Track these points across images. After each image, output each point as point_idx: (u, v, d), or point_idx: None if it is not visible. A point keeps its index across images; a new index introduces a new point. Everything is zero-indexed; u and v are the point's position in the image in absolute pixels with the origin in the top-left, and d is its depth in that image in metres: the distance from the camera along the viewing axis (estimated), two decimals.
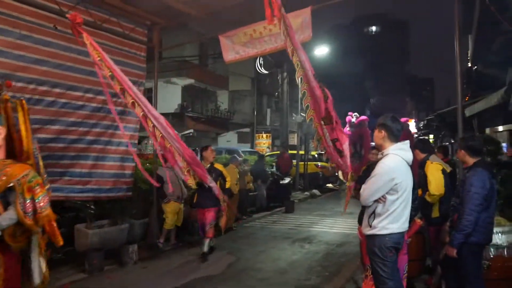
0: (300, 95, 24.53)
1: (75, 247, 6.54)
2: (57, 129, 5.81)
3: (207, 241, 6.65)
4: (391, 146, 3.49)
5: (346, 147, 4.69)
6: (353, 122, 8.78)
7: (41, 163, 3.76)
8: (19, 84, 5.26)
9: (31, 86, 5.40)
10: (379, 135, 3.56)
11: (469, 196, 3.71)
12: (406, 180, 3.43)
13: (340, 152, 4.67)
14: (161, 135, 5.13)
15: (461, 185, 3.99)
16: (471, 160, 3.93)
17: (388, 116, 3.66)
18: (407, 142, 3.63)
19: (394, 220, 3.40)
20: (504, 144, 8.00)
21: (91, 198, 6.38)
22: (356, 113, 8.84)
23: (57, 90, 5.71)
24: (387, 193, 3.38)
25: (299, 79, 4.45)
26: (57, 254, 6.47)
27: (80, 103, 6.07)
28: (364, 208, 4.40)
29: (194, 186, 6.18)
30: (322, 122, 4.64)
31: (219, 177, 6.92)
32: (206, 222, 6.62)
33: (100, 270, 5.81)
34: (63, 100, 5.83)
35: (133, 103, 4.75)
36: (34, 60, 5.38)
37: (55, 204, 6.30)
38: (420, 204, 4.70)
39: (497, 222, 4.33)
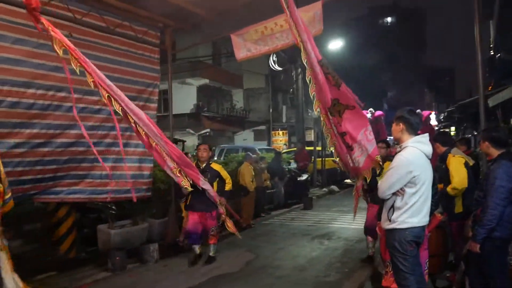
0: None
1: (98, 247, 6.71)
2: (77, 133, 5.94)
3: (211, 246, 6.34)
4: (409, 139, 3.49)
5: (361, 136, 4.53)
6: (369, 118, 8.65)
7: (1, 168, 3.58)
8: (39, 92, 5.41)
9: (50, 93, 5.53)
10: (397, 128, 3.57)
11: (493, 189, 3.60)
12: (425, 173, 3.42)
13: (349, 147, 4.58)
14: (144, 132, 4.71)
15: (485, 178, 3.87)
16: (495, 152, 3.80)
17: (406, 109, 3.67)
18: (426, 135, 3.61)
19: (413, 214, 3.40)
20: None
21: (111, 199, 6.52)
22: (371, 109, 8.68)
23: (75, 95, 5.81)
24: (405, 186, 3.38)
25: (305, 62, 4.36)
26: (82, 253, 6.67)
27: (97, 107, 6.19)
28: (382, 203, 4.39)
29: (189, 188, 5.52)
30: (329, 113, 4.53)
31: (216, 178, 6.30)
32: (208, 229, 6.24)
33: (122, 269, 5.94)
34: (81, 105, 5.96)
35: (109, 97, 4.28)
36: (52, 68, 5.50)
37: (78, 206, 6.56)
38: (442, 198, 4.64)
39: None
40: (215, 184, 6.20)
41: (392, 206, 3.46)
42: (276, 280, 5.61)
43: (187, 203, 6.29)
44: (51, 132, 5.64)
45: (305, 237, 8.22)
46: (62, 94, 5.71)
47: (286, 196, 12.31)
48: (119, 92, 4.43)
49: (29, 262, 3.57)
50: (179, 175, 5.25)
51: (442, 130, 21.44)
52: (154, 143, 4.87)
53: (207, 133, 23.93)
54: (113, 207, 6.72)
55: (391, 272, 4.12)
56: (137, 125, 4.63)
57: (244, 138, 26.77)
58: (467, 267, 4.24)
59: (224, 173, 6.41)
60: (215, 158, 14.71)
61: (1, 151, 5.00)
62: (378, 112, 8.75)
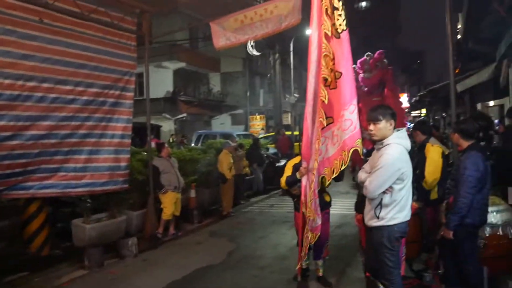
0: (292, 75, 24.45)
1: (73, 243, 6.51)
2: (48, 124, 5.69)
3: None
4: (391, 135, 3.47)
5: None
6: (367, 63, 7.11)
7: None
8: (7, 81, 5.11)
9: (19, 83, 5.24)
10: (389, 126, 3.48)
11: (463, 179, 3.77)
12: (409, 168, 3.44)
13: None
14: None
15: (456, 168, 4.06)
16: (465, 144, 3.99)
17: (382, 106, 3.70)
18: (404, 130, 3.64)
19: (401, 209, 3.42)
20: (496, 121, 8.09)
21: (86, 192, 6.31)
22: (369, 53, 7.30)
23: (45, 85, 5.57)
24: (393, 183, 3.37)
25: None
26: (55, 250, 6.47)
27: (71, 97, 5.93)
28: (362, 197, 4.38)
29: None
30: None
31: None
32: None
33: (100, 266, 5.80)
34: (53, 95, 5.69)
35: None
36: (21, 56, 5.22)
37: (50, 200, 6.32)
38: (418, 186, 4.75)
39: (492, 201, 4.39)
40: None
41: (380, 204, 3.44)
42: (259, 271, 5.61)
43: None
44: (21, 124, 5.35)
45: (284, 224, 8.25)
46: (32, 83, 5.43)
47: (266, 182, 12.31)
48: None
49: None
50: None
51: (421, 119, 21.98)
52: None
53: (184, 118, 23.62)
54: (88, 200, 6.51)
55: None
56: None
57: (221, 123, 26.56)
58: (441, 251, 4.40)
59: None
60: (193, 144, 14.52)
61: None
62: (378, 53, 7.20)
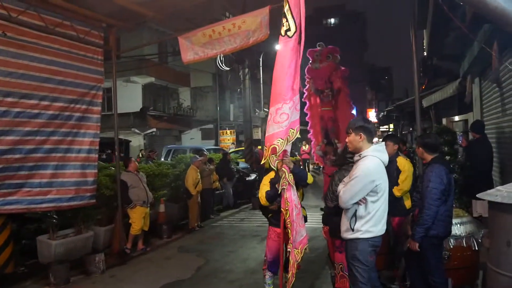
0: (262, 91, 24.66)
1: (38, 260, 6.32)
2: (12, 139, 5.56)
3: None
4: (369, 148, 3.49)
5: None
6: (318, 54, 6.70)
7: None
8: None
9: None
10: (357, 139, 3.50)
11: (427, 192, 3.84)
12: (384, 181, 3.44)
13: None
14: None
15: (421, 181, 4.15)
16: (429, 157, 4.09)
17: (359, 118, 3.74)
18: (383, 144, 3.74)
19: (375, 222, 3.41)
20: (459, 135, 8.45)
21: (52, 208, 6.17)
22: (321, 43, 6.92)
23: (9, 99, 5.47)
24: (367, 195, 3.37)
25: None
26: (20, 267, 6.25)
27: (36, 111, 5.83)
28: (329, 209, 4.47)
29: None
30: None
31: None
32: None
33: (66, 283, 5.64)
34: (17, 109, 5.59)
35: None
36: None
37: (15, 216, 6.13)
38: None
39: (456, 214, 4.58)
40: None
41: (354, 215, 3.43)
42: (228, 285, 5.60)
43: None
44: None
45: (254, 238, 8.27)
46: None
47: (236, 196, 12.32)
48: None
49: None
50: None
51: (390, 133, 22.65)
52: None
53: (153, 133, 23.37)
54: (54, 216, 6.37)
55: (342, 273, 4.27)
56: None
57: (192, 137, 26.40)
58: (407, 263, 4.49)
59: None
60: (162, 159, 14.39)
61: None
62: (331, 47, 6.70)
